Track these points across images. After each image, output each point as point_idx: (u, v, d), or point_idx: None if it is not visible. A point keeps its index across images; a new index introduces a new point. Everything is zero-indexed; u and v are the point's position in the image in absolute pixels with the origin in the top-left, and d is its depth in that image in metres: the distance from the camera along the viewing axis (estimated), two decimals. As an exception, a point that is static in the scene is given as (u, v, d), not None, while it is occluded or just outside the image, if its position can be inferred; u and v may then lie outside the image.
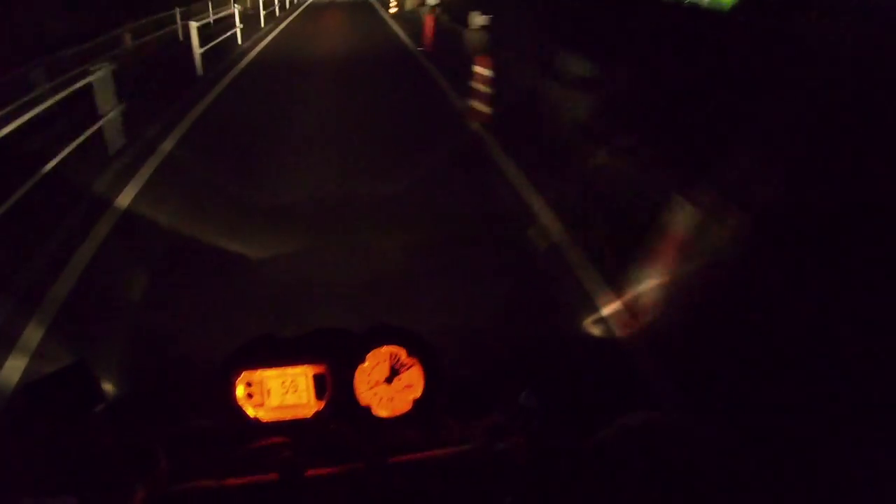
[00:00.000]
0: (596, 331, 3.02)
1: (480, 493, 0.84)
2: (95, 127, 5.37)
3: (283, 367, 1.00)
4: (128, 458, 0.83)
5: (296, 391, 1.01)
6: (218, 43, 10.51)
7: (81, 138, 5.05)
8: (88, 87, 5.42)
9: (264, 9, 16.41)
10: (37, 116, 4.63)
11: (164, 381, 1.76)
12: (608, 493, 0.80)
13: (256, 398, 1.00)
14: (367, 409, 1.01)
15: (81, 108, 5.56)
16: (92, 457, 0.80)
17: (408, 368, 1.03)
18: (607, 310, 3.16)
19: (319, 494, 0.82)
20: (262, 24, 15.61)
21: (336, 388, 1.01)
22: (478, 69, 6.44)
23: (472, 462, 0.88)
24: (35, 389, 0.80)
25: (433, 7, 14.16)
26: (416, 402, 1.02)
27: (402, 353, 1.03)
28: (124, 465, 0.80)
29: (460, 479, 0.86)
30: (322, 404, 1.01)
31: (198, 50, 9.21)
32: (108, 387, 0.88)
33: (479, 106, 6.56)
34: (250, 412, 0.99)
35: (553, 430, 0.92)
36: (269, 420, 1.00)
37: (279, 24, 16.60)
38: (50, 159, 4.49)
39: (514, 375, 1.10)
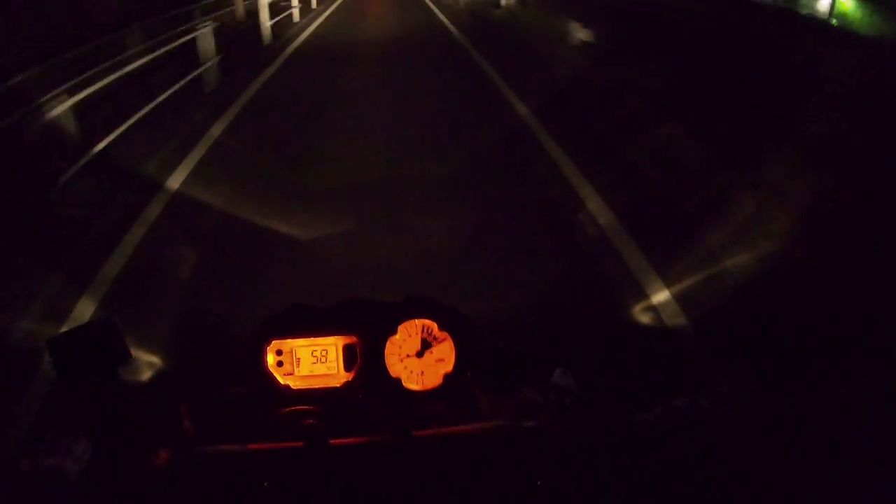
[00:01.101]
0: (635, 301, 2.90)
1: (510, 469, 0.81)
2: (199, 70, 6.97)
3: (313, 337, 1.00)
4: (152, 418, 0.83)
5: (325, 361, 1.00)
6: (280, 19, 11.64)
7: (188, 78, 6.55)
8: (191, 42, 7.02)
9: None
10: (151, 62, 6.25)
11: (199, 343, 1.85)
12: (647, 475, 0.76)
13: (287, 366, 1.00)
14: (398, 382, 1.00)
15: (173, 66, 6.97)
16: (115, 412, 0.80)
17: (440, 342, 1.00)
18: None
19: (344, 464, 0.81)
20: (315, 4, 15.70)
21: (366, 359, 0.99)
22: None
23: (501, 438, 0.85)
24: (60, 343, 0.79)
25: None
26: (447, 377, 1.00)
27: (433, 327, 1.00)
28: (149, 424, 0.82)
29: (488, 455, 0.84)
30: (351, 375, 1.00)
31: (267, 22, 10.38)
32: (142, 352, 0.89)
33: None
34: (280, 380, 1.00)
35: (588, 410, 0.88)
36: (299, 388, 1.00)
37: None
38: (164, 91, 6.00)
39: (550, 351, 1.05)
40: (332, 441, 0.81)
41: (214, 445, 0.82)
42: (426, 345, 1.00)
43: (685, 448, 0.77)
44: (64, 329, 0.81)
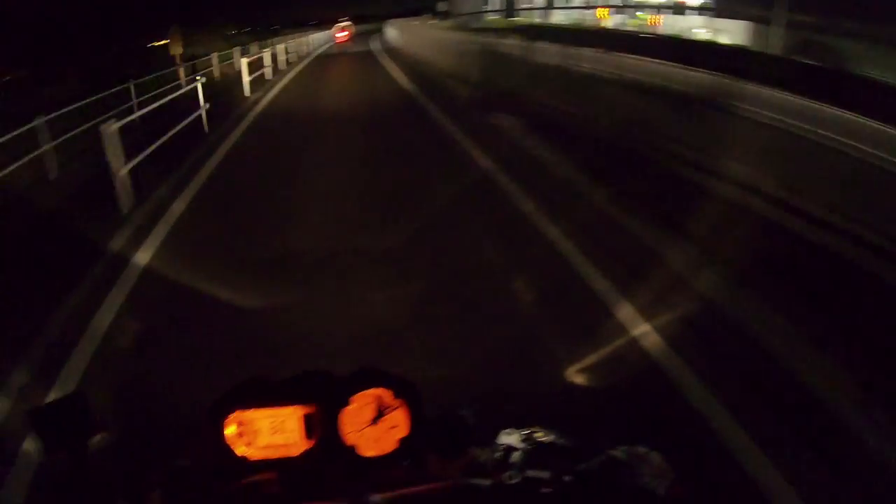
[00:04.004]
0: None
1: None
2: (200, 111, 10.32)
3: (272, 408, 1.04)
4: (122, 490, 0.86)
5: (284, 431, 1.03)
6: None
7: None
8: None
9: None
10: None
11: (157, 418, 1.85)
12: None
13: (246, 437, 1.03)
14: (353, 449, 1.04)
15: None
16: (87, 486, 0.83)
17: (393, 410, 1.05)
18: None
19: None
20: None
21: (324, 428, 1.04)
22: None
23: (452, 497, 0.90)
24: (34, 417, 0.83)
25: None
26: (402, 441, 1.05)
27: (387, 395, 1.06)
28: (119, 495, 0.84)
29: None
30: (310, 444, 1.04)
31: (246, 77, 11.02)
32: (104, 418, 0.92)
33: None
34: (239, 451, 1.03)
35: (535, 464, 0.94)
36: (258, 458, 1.03)
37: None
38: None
39: (499, 413, 1.12)
40: None
41: None
42: (380, 413, 1.05)
43: (626, 492, 0.83)
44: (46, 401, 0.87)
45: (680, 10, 25.19)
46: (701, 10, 23.50)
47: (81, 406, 0.86)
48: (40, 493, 2.46)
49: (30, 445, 2.71)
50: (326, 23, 52.26)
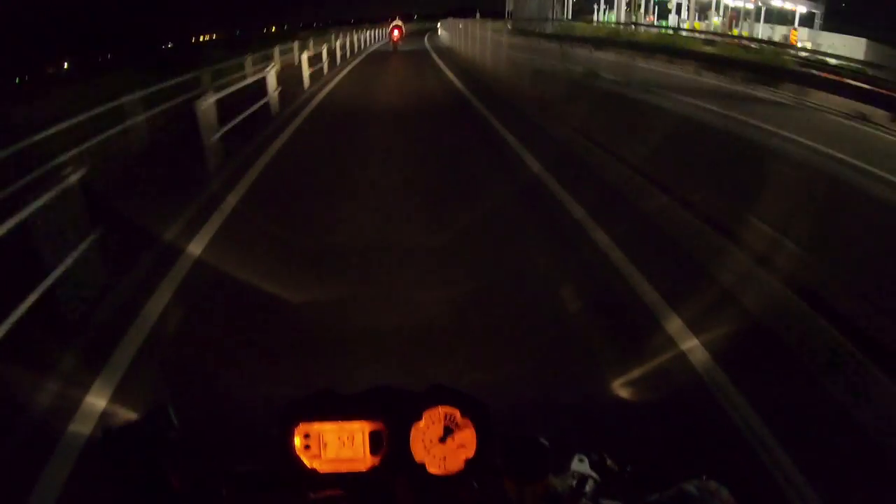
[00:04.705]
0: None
1: None
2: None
3: (340, 422, 1.04)
4: (195, 495, 0.87)
5: (352, 445, 1.03)
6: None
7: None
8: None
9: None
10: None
11: (228, 425, 1.90)
12: None
13: (313, 449, 1.03)
14: (422, 466, 1.03)
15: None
16: (162, 492, 0.85)
17: (461, 429, 1.04)
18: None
19: None
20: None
21: (391, 444, 1.03)
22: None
23: None
24: (117, 434, 0.86)
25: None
26: (469, 462, 1.03)
27: (456, 414, 1.04)
28: (187, 497, 0.85)
29: None
30: (377, 459, 1.03)
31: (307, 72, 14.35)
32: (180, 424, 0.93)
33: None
34: (307, 463, 1.02)
35: (608, 494, 0.92)
36: (326, 471, 1.03)
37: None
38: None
39: (571, 437, 1.09)
40: None
41: None
42: (448, 431, 1.04)
43: None
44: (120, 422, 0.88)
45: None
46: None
47: (162, 423, 0.88)
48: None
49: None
50: (378, 21, 53.10)
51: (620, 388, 2.94)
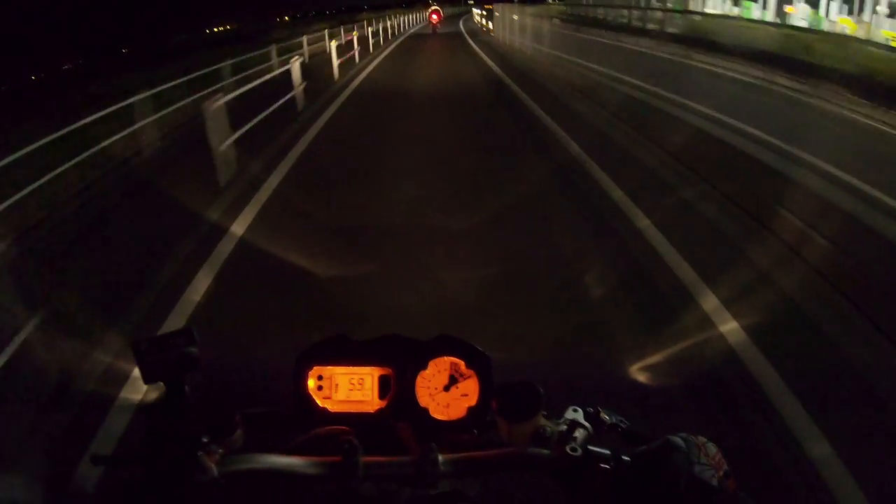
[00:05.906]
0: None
1: (523, 495, 0.89)
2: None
3: (352, 366, 1.11)
4: (210, 423, 0.95)
5: (361, 388, 1.11)
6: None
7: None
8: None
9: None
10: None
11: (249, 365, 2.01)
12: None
13: (325, 391, 1.11)
14: (426, 411, 1.10)
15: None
16: (179, 416, 0.93)
17: (465, 379, 1.11)
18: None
19: (375, 478, 0.93)
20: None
21: (398, 389, 1.10)
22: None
23: (513, 463, 0.95)
24: (138, 348, 0.93)
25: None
26: (470, 410, 1.10)
27: (461, 364, 1.11)
28: (207, 428, 0.93)
29: (504, 480, 0.92)
30: (384, 403, 1.10)
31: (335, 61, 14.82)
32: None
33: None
34: (319, 403, 1.11)
35: (597, 442, 0.97)
36: (335, 411, 1.10)
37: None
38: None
39: (566, 388, 1.15)
40: (364, 458, 0.91)
41: (260, 454, 0.92)
42: (453, 380, 1.11)
43: (679, 478, 0.84)
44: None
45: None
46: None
47: (185, 342, 0.95)
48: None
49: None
50: (415, 5, 53.30)
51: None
